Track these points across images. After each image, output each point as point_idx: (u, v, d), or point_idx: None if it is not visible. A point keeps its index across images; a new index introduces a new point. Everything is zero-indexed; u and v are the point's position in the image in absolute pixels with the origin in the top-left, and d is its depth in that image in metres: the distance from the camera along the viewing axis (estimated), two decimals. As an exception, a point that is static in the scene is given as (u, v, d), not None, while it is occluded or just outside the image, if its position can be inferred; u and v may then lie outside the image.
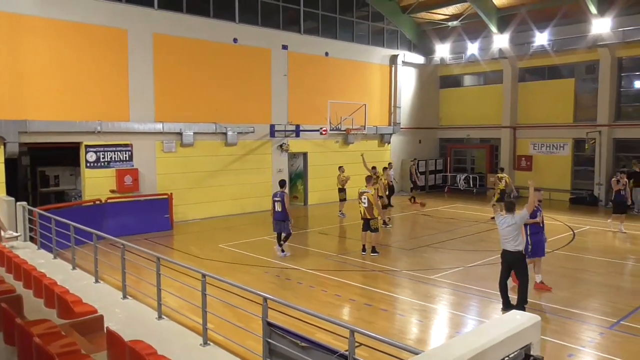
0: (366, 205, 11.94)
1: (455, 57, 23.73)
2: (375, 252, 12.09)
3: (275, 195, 12.15)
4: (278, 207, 11.86)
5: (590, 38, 19.39)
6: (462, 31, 23.29)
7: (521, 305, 8.07)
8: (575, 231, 14.90)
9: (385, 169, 18.12)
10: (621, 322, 7.87)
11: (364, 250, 12.26)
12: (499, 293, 8.51)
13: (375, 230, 12.03)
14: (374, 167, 16.48)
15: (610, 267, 11.22)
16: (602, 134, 20.16)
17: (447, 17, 23.43)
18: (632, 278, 10.73)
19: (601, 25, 18.97)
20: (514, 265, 8.30)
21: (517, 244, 8.15)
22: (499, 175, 17.22)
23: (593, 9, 18.80)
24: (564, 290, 9.60)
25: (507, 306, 8.28)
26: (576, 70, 21.44)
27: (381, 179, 15.76)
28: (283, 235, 12.12)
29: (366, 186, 12.11)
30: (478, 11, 21.06)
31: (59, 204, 14.36)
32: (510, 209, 8.33)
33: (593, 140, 20.28)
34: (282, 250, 12.13)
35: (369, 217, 11.95)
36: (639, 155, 19.72)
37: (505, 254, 8.30)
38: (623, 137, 20.32)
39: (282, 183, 12.38)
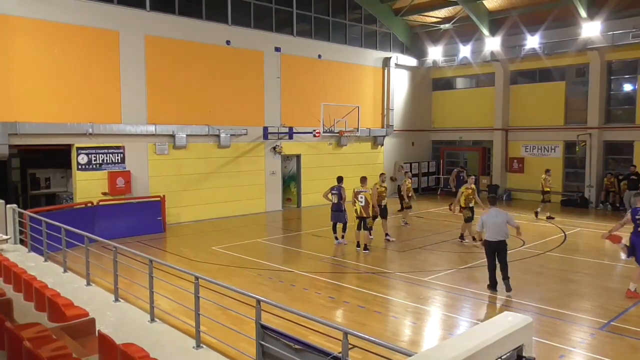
0: (363, 204, 12.50)
1: (448, 59, 23.86)
2: (367, 249, 12.74)
3: (333, 188, 13.37)
4: (334, 199, 13.22)
5: (580, 41, 19.59)
6: (454, 34, 23.42)
7: (507, 277, 9.25)
8: (566, 233, 15.01)
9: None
10: (611, 322, 7.94)
11: (358, 245, 12.82)
12: (489, 293, 8.78)
13: (370, 228, 12.89)
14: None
15: (601, 268, 11.32)
16: (592, 136, 20.34)
17: (440, 20, 23.56)
18: (622, 279, 10.82)
19: (591, 29, 19.16)
20: (500, 250, 9.24)
21: (506, 233, 9.25)
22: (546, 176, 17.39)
23: (583, 13, 19.00)
24: (555, 291, 9.67)
25: (493, 287, 9.35)
26: (567, 73, 21.63)
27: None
28: (340, 224, 13.49)
29: (362, 186, 12.76)
30: (470, 14, 21.21)
31: (49, 207, 14.24)
32: (494, 202, 9.71)
33: (583, 143, 20.47)
34: (342, 237, 13.54)
35: (365, 215, 12.55)
36: (628, 157, 19.97)
37: (497, 243, 9.17)
38: (613, 140, 20.53)
39: (339, 179, 13.55)
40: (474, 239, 12.91)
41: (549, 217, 17.26)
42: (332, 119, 18.57)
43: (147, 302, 6.89)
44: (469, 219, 13.41)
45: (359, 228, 12.73)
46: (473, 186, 13.76)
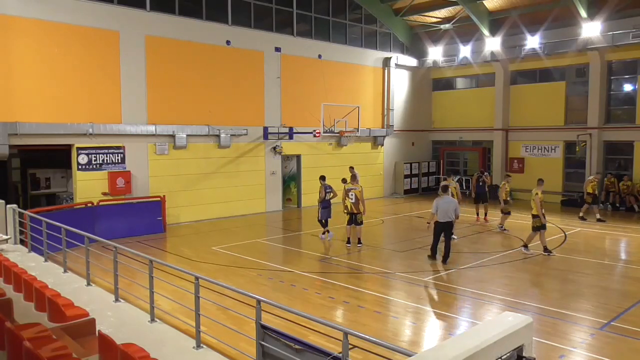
0: (353, 200, 13.02)
1: (448, 59, 23.86)
2: (360, 242, 13.26)
3: (327, 187, 14.02)
4: (328, 197, 13.96)
5: (581, 41, 19.59)
6: (455, 34, 23.43)
7: (448, 257, 11.46)
8: (566, 233, 15.01)
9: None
10: (612, 322, 7.94)
11: (348, 242, 13.28)
12: (486, 293, 8.66)
13: (361, 223, 13.24)
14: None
15: (601, 268, 11.31)
16: (592, 136, 20.34)
17: (440, 20, 23.56)
18: (623, 279, 10.83)
19: (591, 29, 19.17)
20: (447, 229, 11.46)
21: (452, 216, 11.37)
22: (594, 178, 16.86)
23: (583, 13, 19.00)
24: (556, 291, 9.67)
25: (433, 257, 11.67)
26: (567, 74, 21.63)
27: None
28: (324, 220, 14.06)
29: (352, 184, 13.28)
30: (470, 14, 21.21)
31: (50, 207, 14.24)
32: (445, 190, 11.91)
33: (584, 143, 20.47)
34: (328, 231, 14.07)
35: (356, 211, 13.07)
36: (628, 157, 19.99)
37: (445, 224, 11.36)
38: (613, 140, 20.53)
39: (323, 178, 14.27)
40: (545, 249, 12.17)
41: (599, 219, 16.70)
42: (332, 119, 18.58)
43: (147, 302, 6.88)
44: (541, 227, 12.14)
45: (349, 224, 13.22)
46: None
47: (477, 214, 17.10)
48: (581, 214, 17.19)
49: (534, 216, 12.27)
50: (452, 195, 13.93)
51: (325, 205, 14.01)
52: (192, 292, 6.07)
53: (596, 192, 16.86)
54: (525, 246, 12.54)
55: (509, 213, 15.08)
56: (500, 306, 8.81)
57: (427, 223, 11.97)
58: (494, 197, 16.44)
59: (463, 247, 13.37)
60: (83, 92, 14.65)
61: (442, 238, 11.61)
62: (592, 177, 17.27)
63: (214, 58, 17.48)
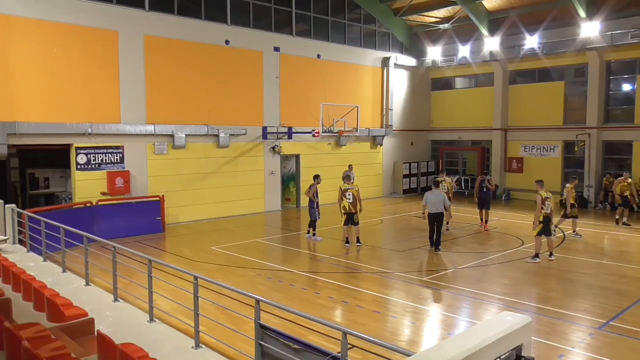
0: (351, 200, 13.07)
1: (447, 59, 23.87)
2: (359, 242, 13.28)
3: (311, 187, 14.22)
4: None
5: (579, 41, 19.61)
6: (454, 34, 23.44)
7: (440, 244, 12.68)
8: (565, 233, 15.02)
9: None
10: (610, 322, 7.95)
11: (347, 242, 13.30)
12: (485, 292, 8.65)
13: (358, 222, 13.26)
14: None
15: (600, 268, 11.33)
16: (591, 136, 20.37)
17: (439, 19, 23.57)
18: (621, 279, 10.84)
19: (590, 29, 19.19)
20: (438, 220, 12.53)
21: (442, 208, 12.53)
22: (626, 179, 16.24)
23: (582, 13, 19.03)
24: (554, 291, 9.69)
25: (432, 245, 12.61)
26: (566, 73, 21.66)
27: None
28: (310, 221, 14.13)
29: (348, 184, 13.33)
30: (469, 14, 21.22)
31: (48, 207, 14.23)
32: (437, 185, 13.01)
33: (582, 143, 20.49)
34: (313, 234, 14.14)
35: (353, 211, 13.09)
36: (627, 157, 20.01)
37: (436, 215, 12.47)
38: (612, 140, 20.56)
39: (314, 177, 14.44)
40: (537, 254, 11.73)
41: (625, 223, 16.18)
42: (331, 119, 18.59)
43: (146, 302, 6.88)
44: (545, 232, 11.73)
45: (346, 223, 13.19)
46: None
47: (481, 220, 16.10)
48: (617, 217, 16.52)
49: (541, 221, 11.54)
50: (447, 190, 15.10)
51: (310, 204, 14.27)
52: (191, 292, 6.06)
53: (626, 193, 16.15)
54: (551, 254, 11.88)
55: (576, 217, 14.66)
56: (499, 306, 8.82)
57: (422, 213, 12.89)
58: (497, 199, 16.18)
59: (462, 247, 13.38)
60: (82, 92, 14.63)
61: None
62: (621, 177, 16.64)
63: (212, 58, 17.47)
